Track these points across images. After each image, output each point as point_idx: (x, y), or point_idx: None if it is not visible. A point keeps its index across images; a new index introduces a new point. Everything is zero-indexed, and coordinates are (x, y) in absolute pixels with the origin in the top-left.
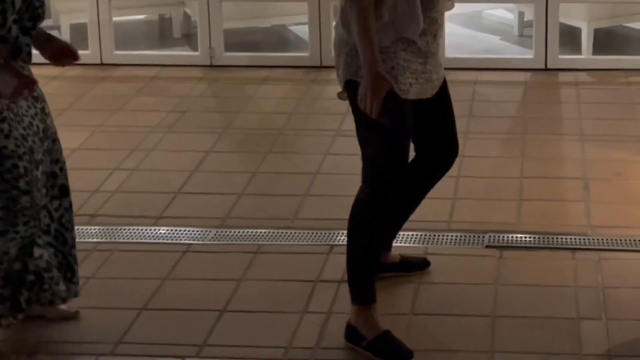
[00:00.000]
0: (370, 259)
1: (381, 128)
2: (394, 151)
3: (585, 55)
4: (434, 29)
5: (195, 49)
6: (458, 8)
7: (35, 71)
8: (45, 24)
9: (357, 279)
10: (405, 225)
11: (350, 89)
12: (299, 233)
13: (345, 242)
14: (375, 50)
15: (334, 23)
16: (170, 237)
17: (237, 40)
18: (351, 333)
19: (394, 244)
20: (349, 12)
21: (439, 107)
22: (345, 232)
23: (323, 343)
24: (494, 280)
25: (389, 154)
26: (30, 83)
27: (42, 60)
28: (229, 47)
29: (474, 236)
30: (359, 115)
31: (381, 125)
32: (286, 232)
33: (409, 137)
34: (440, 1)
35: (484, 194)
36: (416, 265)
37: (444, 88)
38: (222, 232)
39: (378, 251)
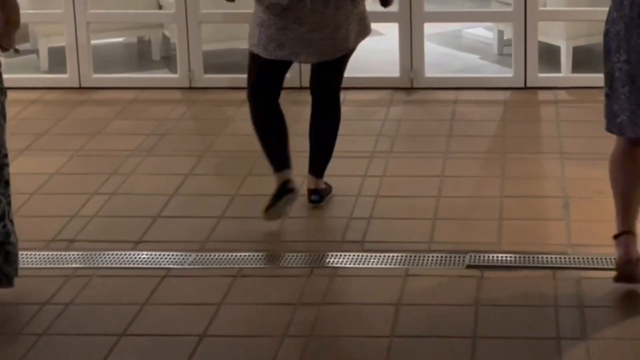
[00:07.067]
0: None
1: None
2: None
3: (565, 73)
4: None
5: (174, 71)
6: (437, 27)
7: (13, 95)
8: (23, 47)
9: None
10: (385, 246)
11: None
12: (280, 256)
13: (326, 265)
14: None
15: None
16: (150, 261)
17: (216, 62)
18: (321, 194)
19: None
20: None
21: None
22: (327, 253)
23: None
24: (474, 300)
25: None
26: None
27: (21, 84)
28: (208, 69)
29: (455, 256)
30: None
31: None
32: (266, 255)
33: None
34: None
35: (464, 213)
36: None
37: None
38: (201, 255)
39: None
